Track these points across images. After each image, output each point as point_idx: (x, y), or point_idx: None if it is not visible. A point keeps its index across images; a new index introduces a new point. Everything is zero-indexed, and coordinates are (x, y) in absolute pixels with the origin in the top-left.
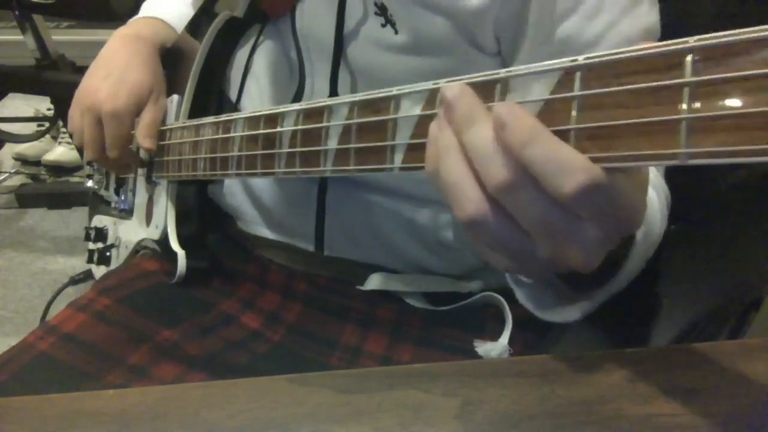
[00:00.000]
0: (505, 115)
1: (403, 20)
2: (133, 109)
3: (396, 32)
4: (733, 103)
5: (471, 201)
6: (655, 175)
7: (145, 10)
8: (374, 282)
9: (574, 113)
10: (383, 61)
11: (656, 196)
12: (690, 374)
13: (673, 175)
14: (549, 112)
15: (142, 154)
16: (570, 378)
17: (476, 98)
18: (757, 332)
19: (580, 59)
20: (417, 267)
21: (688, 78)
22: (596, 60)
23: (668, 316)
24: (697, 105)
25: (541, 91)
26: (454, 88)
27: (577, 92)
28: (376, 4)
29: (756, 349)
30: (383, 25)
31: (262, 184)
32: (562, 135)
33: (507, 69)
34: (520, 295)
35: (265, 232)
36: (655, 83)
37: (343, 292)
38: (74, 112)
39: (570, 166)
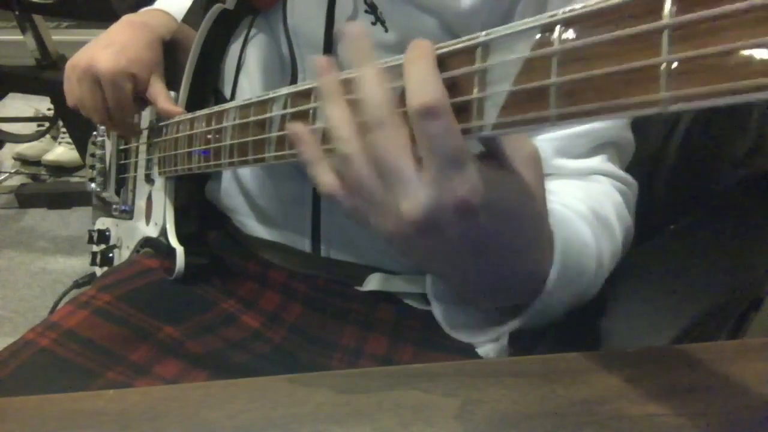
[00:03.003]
0: (414, 43)
1: (393, 19)
2: (132, 75)
3: (386, 30)
4: (712, 42)
5: (345, 139)
6: (614, 209)
7: (156, 5)
8: (373, 283)
9: (554, 68)
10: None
11: (590, 231)
12: (690, 374)
13: (673, 175)
14: (530, 70)
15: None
16: (570, 378)
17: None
18: (757, 332)
19: (559, 14)
20: (415, 268)
21: (666, 21)
22: (575, 13)
23: (668, 315)
24: (677, 48)
25: (522, 50)
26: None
27: (556, 47)
28: (366, 2)
29: (756, 349)
30: (373, 23)
31: (258, 185)
32: (544, 91)
33: (487, 31)
34: (436, 311)
35: (263, 233)
36: (632, 29)
37: (342, 294)
38: (71, 80)
39: (424, 86)
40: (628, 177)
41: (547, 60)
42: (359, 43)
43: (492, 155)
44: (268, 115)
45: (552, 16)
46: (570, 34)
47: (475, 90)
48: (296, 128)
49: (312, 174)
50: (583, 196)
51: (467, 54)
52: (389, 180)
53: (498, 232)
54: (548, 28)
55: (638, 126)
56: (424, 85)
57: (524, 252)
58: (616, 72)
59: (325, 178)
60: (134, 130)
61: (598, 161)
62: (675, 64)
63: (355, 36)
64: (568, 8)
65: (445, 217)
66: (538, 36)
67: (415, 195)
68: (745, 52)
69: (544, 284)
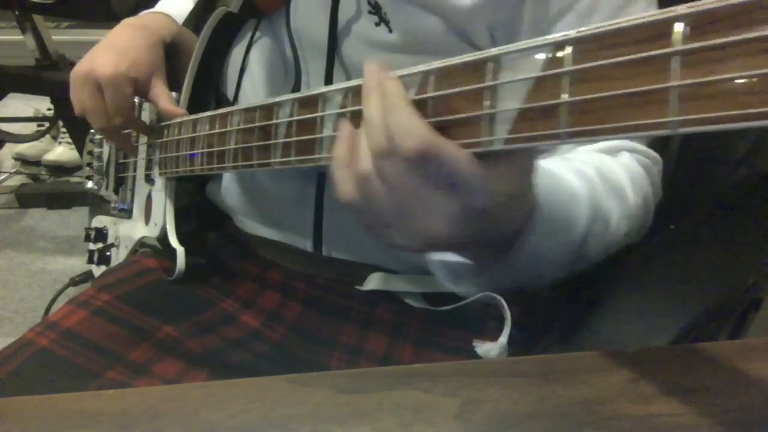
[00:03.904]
0: (382, 89)
1: (397, 19)
2: (132, 79)
3: (390, 31)
4: (722, 69)
5: (347, 183)
6: (628, 178)
7: (156, 8)
8: (373, 282)
9: (565, 88)
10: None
11: (583, 185)
12: (690, 374)
13: (673, 175)
14: (541, 88)
15: (144, 117)
16: (570, 378)
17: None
18: (757, 332)
19: (571, 33)
20: (416, 267)
21: (677, 47)
22: (586, 33)
23: (668, 316)
24: (687, 73)
25: (533, 68)
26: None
27: (567, 67)
28: (369, 3)
29: (756, 349)
30: (377, 24)
31: (259, 184)
32: (554, 109)
33: (499, 47)
34: (437, 271)
35: (264, 232)
36: (644, 53)
37: (342, 293)
38: (75, 88)
39: (409, 131)
40: (652, 152)
41: (559, 79)
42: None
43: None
44: (273, 121)
45: (564, 35)
46: (582, 54)
47: (486, 105)
48: (345, 126)
49: (337, 177)
50: (594, 161)
51: (479, 68)
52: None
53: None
54: (560, 47)
55: None
56: (407, 133)
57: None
58: (627, 94)
59: (349, 185)
60: (132, 145)
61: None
62: (685, 89)
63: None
64: (580, 29)
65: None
66: (550, 55)
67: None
68: (754, 80)
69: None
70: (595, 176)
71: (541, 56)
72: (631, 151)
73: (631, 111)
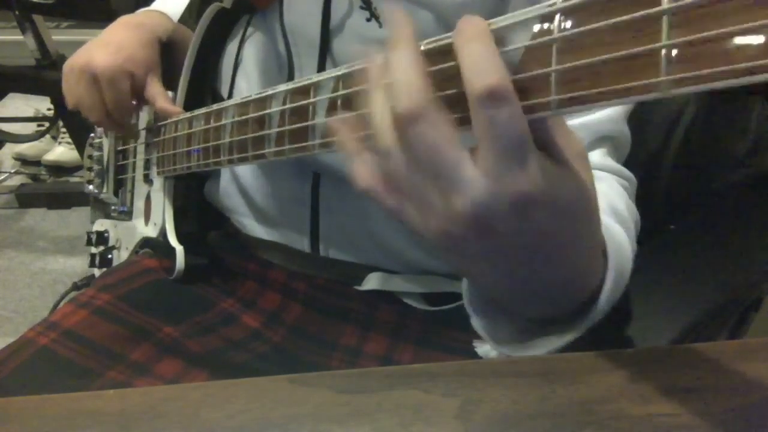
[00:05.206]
0: (466, 20)
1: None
2: (129, 73)
3: (381, 26)
4: (712, 26)
5: (382, 130)
6: (626, 206)
7: (153, 6)
8: (372, 282)
9: (554, 57)
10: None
11: (624, 233)
12: (690, 374)
13: (673, 175)
14: (530, 59)
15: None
16: (570, 378)
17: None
18: (757, 332)
19: (559, 2)
20: (415, 268)
21: (666, 5)
22: (575, 2)
23: (668, 316)
24: (676, 33)
25: (521, 40)
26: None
27: (555, 35)
28: None
29: (756, 349)
30: (368, 20)
31: (256, 184)
32: (544, 79)
33: (487, 21)
34: (476, 324)
35: (261, 233)
36: (632, 15)
37: (342, 293)
38: (69, 82)
39: (486, 66)
40: (627, 172)
41: (548, 48)
42: (399, 26)
43: (543, 147)
44: (267, 111)
45: (551, 5)
46: (570, 22)
47: None
48: (334, 119)
49: (348, 168)
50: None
51: None
52: (435, 174)
53: (554, 231)
54: (548, 18)
55: (637, 127)
56: (486, 65)
57: (579, 256)
58: (616, 58)
59: (362, 172)
60: (132, 129)
61: (597, 156)
62: (674, 50)
63: (396, 19)
64: None
65: (502, 213)
66: (538, 25)
67: (469, 189)
68: (743, 36)
69: (590, 290)
70: (617, 217)
71: (531, 27)
72: (608, 171)
73: (620, 77)
